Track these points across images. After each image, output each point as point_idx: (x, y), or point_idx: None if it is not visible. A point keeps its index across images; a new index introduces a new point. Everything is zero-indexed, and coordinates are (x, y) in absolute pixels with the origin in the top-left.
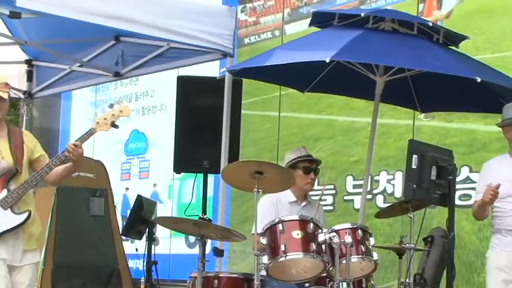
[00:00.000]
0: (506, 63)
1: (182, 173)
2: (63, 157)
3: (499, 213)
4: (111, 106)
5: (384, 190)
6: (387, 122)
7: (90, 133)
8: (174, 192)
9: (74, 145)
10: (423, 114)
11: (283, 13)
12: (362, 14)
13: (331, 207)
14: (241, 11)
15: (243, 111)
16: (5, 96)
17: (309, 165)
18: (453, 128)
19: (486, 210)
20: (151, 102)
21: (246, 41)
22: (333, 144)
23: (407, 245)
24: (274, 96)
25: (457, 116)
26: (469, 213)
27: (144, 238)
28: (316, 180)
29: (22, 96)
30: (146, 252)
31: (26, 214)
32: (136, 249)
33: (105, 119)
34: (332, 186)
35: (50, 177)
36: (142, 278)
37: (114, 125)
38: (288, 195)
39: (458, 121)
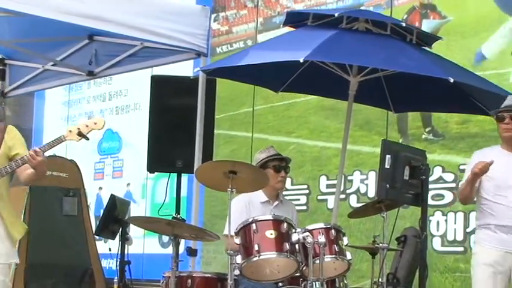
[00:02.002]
0: None
1: (156, 173)
2: (21, 161)
3: (490, 207)
4: (89, 118)
5: (358, 190)
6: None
7: (58, 140)
8: (147, 191)
9: (34, 151)
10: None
11: (257, 22)
12: (336, 14)
13: (304, 207)
14: (214, 20)
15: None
16: None
17: (279, 164)
18: None
19: (473, 189)
20: (125, 102)
21: (218, 50)
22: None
23: (381, 244)
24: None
25: None
26: None
27: (117, 238)
28: (290, 179)
29: None
30: (119, 252)
31: None
32: (110, 249)
33: (78, 128)
34: (305, 186)
35: (21, 176)
36: (116, 277)
37: (84, 136)
38: (260, 195)
39: None
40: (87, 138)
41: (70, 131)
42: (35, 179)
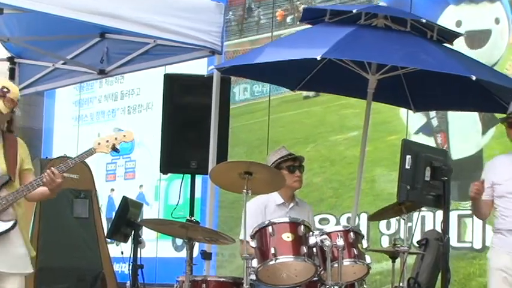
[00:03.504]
0: None
1: (169, 174)
2: (37, 183)
3: (501, 212)
4: (116, 130)
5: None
6: None
7: (89, 153)
8: (160, 193)
9: (53, 173)
10: None
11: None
12: (354, 11)
13: None
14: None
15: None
16: (4, 111)
17: (293, 164)
18: None
19: (480, 207)
20: (137, 101)
21: None
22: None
23: (401, 247)
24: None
25: None
26: None
27: (129, 241)
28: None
29: None
30: (132, 256)
31: (11, 223)
32: (122, 253)
33: (107, 141)
34: None
35: (31, 195)
36: (128, 282)
37: (115, 148)
38: (275, 197)
39: None
40: (118, 151)
41: (99, 144)
42: (46, 198)
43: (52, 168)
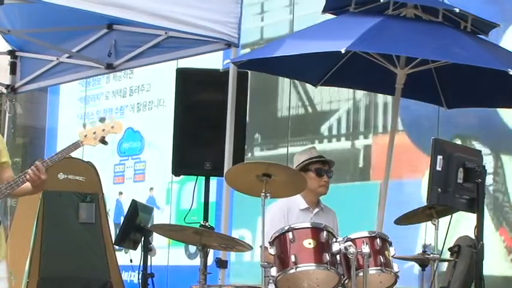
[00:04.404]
0: None
1: (182, 176)
2: (21, 181)
3: None
4: (102, 120)
5: None
6: None
7: (75, 146)
8: (172, 197)
9: (37, 168)
10: None
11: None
12: (382, 0)
13: None
14: None
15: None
16: None
17: (321, 167)
18: None
19: None
20: (147, 98)
21: None
22: None
23: (432, 255)
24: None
25: None
26: None
27: (139, 248)
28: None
29: (4, 90)
30: (142, 264)
31: None
32: (131, 260)
33: (94, 132)
34: None
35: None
36: None
37: (103, 140)
38: (299, 201)
39: None
40: (106, 143)
41: (85, 136)
42: (28, 194)
43: (37, 162)
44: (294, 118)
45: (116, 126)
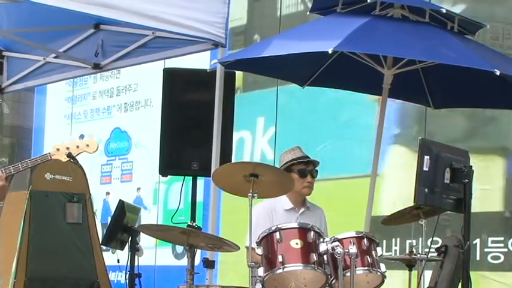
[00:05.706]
0: None
1: (169, 176)
2: None
3: None
4: (81, 137)
5: None
6: None
7: (43, 158)
8: (159, 197)
9: None
10: None
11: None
12: (369, 0)
13: None
14: None
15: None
16: None
17: (305, 168)
18: None
19: None
20: (134, 98)
21: None
22: None
23: (418, 255)
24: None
25: None
26: None
27: (126, 248)
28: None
29: None
30: (129, 264)
31: None
32: (118, 261)
33: (67, 148)
34: None
35: None
36: None
37: (72, 157)
38: (284, 201)
39: None
40: (76, 161)
41: (58, 150)
42: None
43: None
44: None
45: (90, 146)
